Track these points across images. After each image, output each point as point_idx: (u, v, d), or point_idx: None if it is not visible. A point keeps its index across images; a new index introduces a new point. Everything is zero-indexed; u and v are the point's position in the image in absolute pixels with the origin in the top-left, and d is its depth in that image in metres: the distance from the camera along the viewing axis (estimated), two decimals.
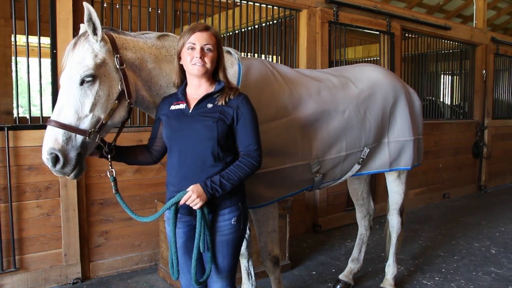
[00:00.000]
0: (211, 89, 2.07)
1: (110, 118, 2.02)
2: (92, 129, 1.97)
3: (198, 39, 1.98)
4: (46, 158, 1.92)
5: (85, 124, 1.96)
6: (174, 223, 1.98)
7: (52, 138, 1.91)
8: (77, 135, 1.94)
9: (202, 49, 1.98)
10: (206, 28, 2.01)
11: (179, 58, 2.06)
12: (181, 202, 1.93)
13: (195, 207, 1.93)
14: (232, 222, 2.07)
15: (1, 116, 4.02)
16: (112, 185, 2.06)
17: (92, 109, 1.97)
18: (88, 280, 3.82)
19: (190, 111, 2.04)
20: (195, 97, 2.07)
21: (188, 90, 2.11)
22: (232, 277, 2.16)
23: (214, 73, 2.08)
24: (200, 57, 1.96)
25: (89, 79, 1.95)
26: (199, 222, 1.96)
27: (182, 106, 2.06)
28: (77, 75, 1.94)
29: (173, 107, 2.09)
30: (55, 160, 1.91)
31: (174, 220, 1.98)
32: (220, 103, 2.01)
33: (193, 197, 1.90)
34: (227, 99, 2.02)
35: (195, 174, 1.99)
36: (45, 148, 1.91)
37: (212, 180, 1.94)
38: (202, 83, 2.06)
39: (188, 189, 1.93)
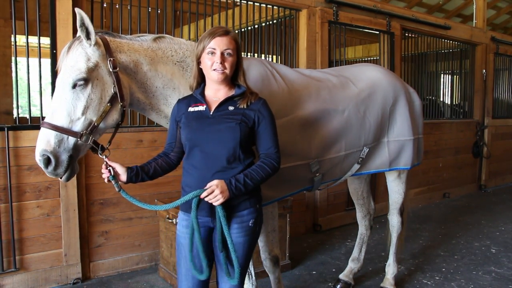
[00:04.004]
0: (230, 92, 2.08)
1: (102, 121, 2.04)
2: (84, 131, 1.99)
3: (218, 44, 1.98)
4: (38, 159, 1.95)
5: (78, 127, 1.98)
6: (195, 215, 1.95)
7: (44, 140, 1.94)
8: (70, 137, 1.97)
9: (222, 54, 1.98)
10: (226, 33, 2.02)
11: (199, 63, 2.06)
12: (203, 194, 1.90)
13: (216, 203, 1.91)
14: (250, 224, 2.08)
15: (1, 116, 4.03)
16: (113, 183, 2.03)
17: (84, 112, 1.99)
18: (88, 280, 3.82)
19: (211, 113, 2.04)
20: (214, 99, 2.07)
21: (207, 92, 2.11)
22: (243, 278, 2.16)
23: (233, 76, 2.08)
24: (221, 62, 1.97)
25: (81, 82, 1.97)
26: (224, 220, 1.95)
27: (201, 108, 2.06)
28: (69, 78, 1.97)
29: (191, 109, 2.08)
30: (47, 161, 1.94)
31: (195, 212, 1.95)
32: (241, 106, 2.03)
33: (216, 192, 1.88)
34: (248, 103, 2.04)
35: (215, 175, 1.98)
36: (38, 149, 1.95)
37: (236, 179, 1.94)
38: (222, 87, 2.07)
39: (212, 183, 1.90)
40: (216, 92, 2.08)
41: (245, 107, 2.03)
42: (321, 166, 2.75)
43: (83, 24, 1.96)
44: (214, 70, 1.99)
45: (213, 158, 2.00)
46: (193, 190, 1.98)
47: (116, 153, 3.56)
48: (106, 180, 2.02)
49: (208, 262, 2.03)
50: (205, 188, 1.92)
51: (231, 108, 2.04)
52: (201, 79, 2.12)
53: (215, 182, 1.91)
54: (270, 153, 2.06)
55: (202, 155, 2.02)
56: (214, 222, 2.04)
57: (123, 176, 2.02)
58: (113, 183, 2.03)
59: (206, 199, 1.91)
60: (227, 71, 2.00)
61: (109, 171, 2.00)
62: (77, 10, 1.96)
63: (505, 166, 8.66)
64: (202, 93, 2.11)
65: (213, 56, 1.99)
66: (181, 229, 2.14)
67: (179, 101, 2.17)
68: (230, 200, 1.96)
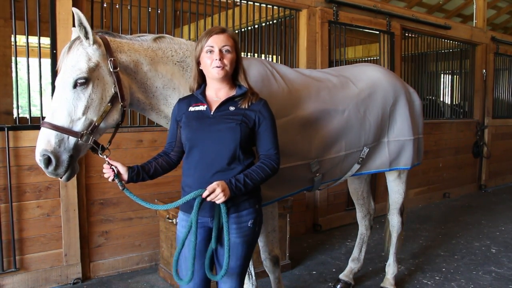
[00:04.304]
0: (231, 92, 2.08)
1: (103, 121, 2.04)
2: (85, 131, 1.99)
3: (216, 42, 1.99)
4: (38, 159, 1.95)
5: (78, 127, 1.98)
6: (196, 216, 1.95)
7: (45, 140, 1.93)
8: (70, 137, 1.96)
9: (220, 51, 1.98)
10: (222, 31, 2.02)
11: (198, 63, 2.07)
12: (205, 194, 1.90)
13: (218, 201, 1.91)
14: (249, 224, 2.08)
15: (1, 116, 4.03)
16: (117, 182, 2.03)
17: (84, 112, 1.99)
18: (88, 280, 3.82)
19: (212, 113, 2.04)
20: (215, 99, 2.07)
21: (207, 92, 2.11)
22: (242, 278, 2.16)
23: (233, 76, 2.08)
24: (220, 59, 1.97)
25: (82, 81, 1.97)
26: (225, 217, 1.95)
27: (202, 107, 2.06)
28: (70, 78, 1.97)
29: (192, 108, 2.08)
30: (48, 161, 1.94)
31: (196, 214, 1.95)
32: (242, 107, 2.03)
33: (217, 190, 1.89)
34: (249, 104, 2.04)
35: (215, 176, 1.99)
36: (38, 149, 1.94)
37: (236, 179, 1.94)
38: (223, 86, 2.07)
39: (213, 184, 1.91)
40: (217, 92, 2.08)
41: (246, 107, 2.03)
42: (321, 166, 2.75)
43: (81, 24, 1.96)
44: (213, 67, 1.98)
45: (213, 158, 2.00)
46: (193, 190, 1.98)
47: (116, 153, 3.55)
48: (110, 179, 2.02)
49: (194, 269, 1.99)
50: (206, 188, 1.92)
51: (232, 108, 2.04)
52: (201, 80, 2.12)
53: (215, 182, 1.91)
54: (270, 154, 2.06)
55: (202, 155, 2.02)
56: (212, 223, 2.04)
57: (124, 176, 2.03)
58: (117, 181, 2.03)
59: (208, 198, 1.91)
60: (227, 67, 2.00)
61: (113, 170, 2.00)
62: (74, 10, 1.96)
63: (505, 166, 8.66)
64: (203, 93, 2.10)
65: (211, 54, 1.99)
66: (181, 229, 2.14)
67: (180, 100, 2.17)
68: (230, 200, 1.96)
